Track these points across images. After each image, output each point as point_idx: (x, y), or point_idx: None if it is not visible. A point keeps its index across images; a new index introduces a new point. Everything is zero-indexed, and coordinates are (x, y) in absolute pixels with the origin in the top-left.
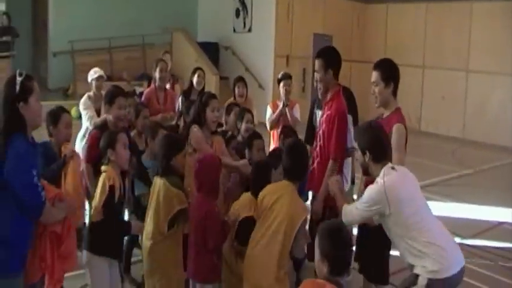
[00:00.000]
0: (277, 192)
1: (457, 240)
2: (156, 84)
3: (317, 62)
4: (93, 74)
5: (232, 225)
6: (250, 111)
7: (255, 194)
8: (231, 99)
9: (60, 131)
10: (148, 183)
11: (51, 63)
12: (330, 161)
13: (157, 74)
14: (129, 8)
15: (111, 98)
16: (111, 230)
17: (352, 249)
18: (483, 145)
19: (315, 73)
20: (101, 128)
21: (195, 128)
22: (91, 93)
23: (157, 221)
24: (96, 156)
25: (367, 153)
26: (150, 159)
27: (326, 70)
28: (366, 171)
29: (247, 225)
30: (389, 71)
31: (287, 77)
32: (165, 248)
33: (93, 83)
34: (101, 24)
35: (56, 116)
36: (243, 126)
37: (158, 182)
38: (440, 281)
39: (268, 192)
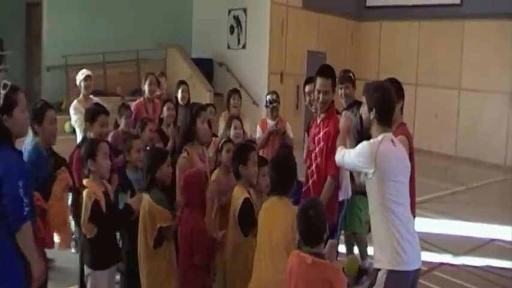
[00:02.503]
0: (270, 211)
1: (449, 257)
2: (145, 95)
3: (325, 82)
4: (81, 75)
5: (221, 242)
6: (238, 118)
7: (245, 233)
8: (226, 112)
9: (45, 127)
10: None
11: (44, 78)
12: (329, 178)
13: (146, 87)
14: (124, 24)
15: (92, 115)
16: (109, 241)
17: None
18: (475, 162)
19: (322, 93)
20: (81, 146)
21: (184, 154)
22: (81, 97)
23: (145, 238)
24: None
25: (373, 111)
26: (133, 171)
27: (334, 90)
28: (368, 130)
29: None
30: (400, 88)
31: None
32: (156, 264)
33: (82, 83)
34: (95, 39)
35: (41, 112)
36: (231, 132)
37: (144, 198)
38: (397, 273)
39: (260, 214)
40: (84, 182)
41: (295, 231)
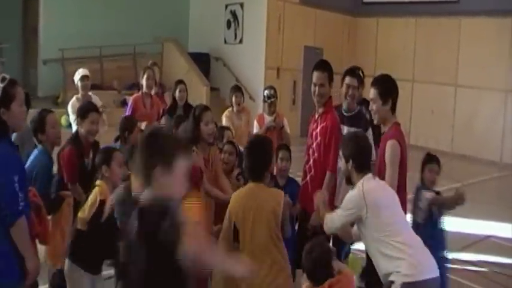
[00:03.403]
0: (250, 196)
1: (445, 253)
2: (143, 90)
3: (320, 75)
4: (77, 75)
5: (216, 237)
6: (228, 128)
7: None
8: (230, 109)
9: (48, 133)
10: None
11: (41, 71)
12: (328, 174)
13: (144, 81)
14: (121, 17)
15: (84, 112)
16: (95, 243)
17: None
18: (471, 159)
19: (318, 86)
20: (73, 143)
21: (193, 153)
22: (79, 95)
23: None
24: (76, 173)
25: (351, 162)
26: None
27: (330, 84)
28: (348, 180)
29: None
30: (386, 88)
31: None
32: None
33: (79, 83)
34: (92, 32)
35: (42, 120)
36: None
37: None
38: (413, 284)
39: (237, 201)
40: (97, 182)
41: (277, 215)
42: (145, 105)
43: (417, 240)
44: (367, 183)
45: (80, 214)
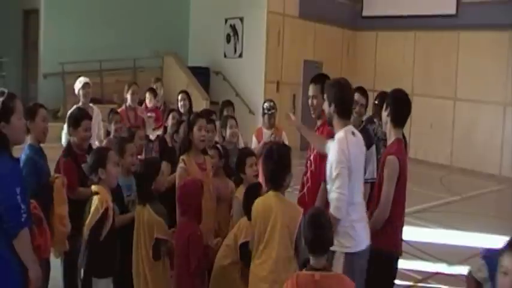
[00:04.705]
0: (267, 207)
1: (444, 266)
2: (127, 104)
3: (313, 87)
4: (78, 83)
5: (215, 249)
6: (233, 117)
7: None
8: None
9: (37, 124)
10: (122, 205)
11: (41, 85)
12: (322, 184)
13: (129, 96)
14: (121, 31)
15: (76, 120)
16: (107, 250)
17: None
18: (470, 172)
19: (310, 98)
20: (68, 154)
21: (181, 164)
22: (80, 105)
23: (146, 247)
24: (76, 179)
25: (333, 106)
26: (123, 176)
27: (323, 96)
28: (330, 122)
29: (247, 249)
30: (384, 100)
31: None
32: (153, 276)
33: (80, 92)
34: (92, 46)
35: (33, 111)
36: (227, 132)
37: (142, 210)
38: (354, 254)
39: (258, 210)
40: (95, 188)
41: (292, 232)
42: (129, 118)
43: (363, 213)
44: (349, 138)
45: (86, 227)
